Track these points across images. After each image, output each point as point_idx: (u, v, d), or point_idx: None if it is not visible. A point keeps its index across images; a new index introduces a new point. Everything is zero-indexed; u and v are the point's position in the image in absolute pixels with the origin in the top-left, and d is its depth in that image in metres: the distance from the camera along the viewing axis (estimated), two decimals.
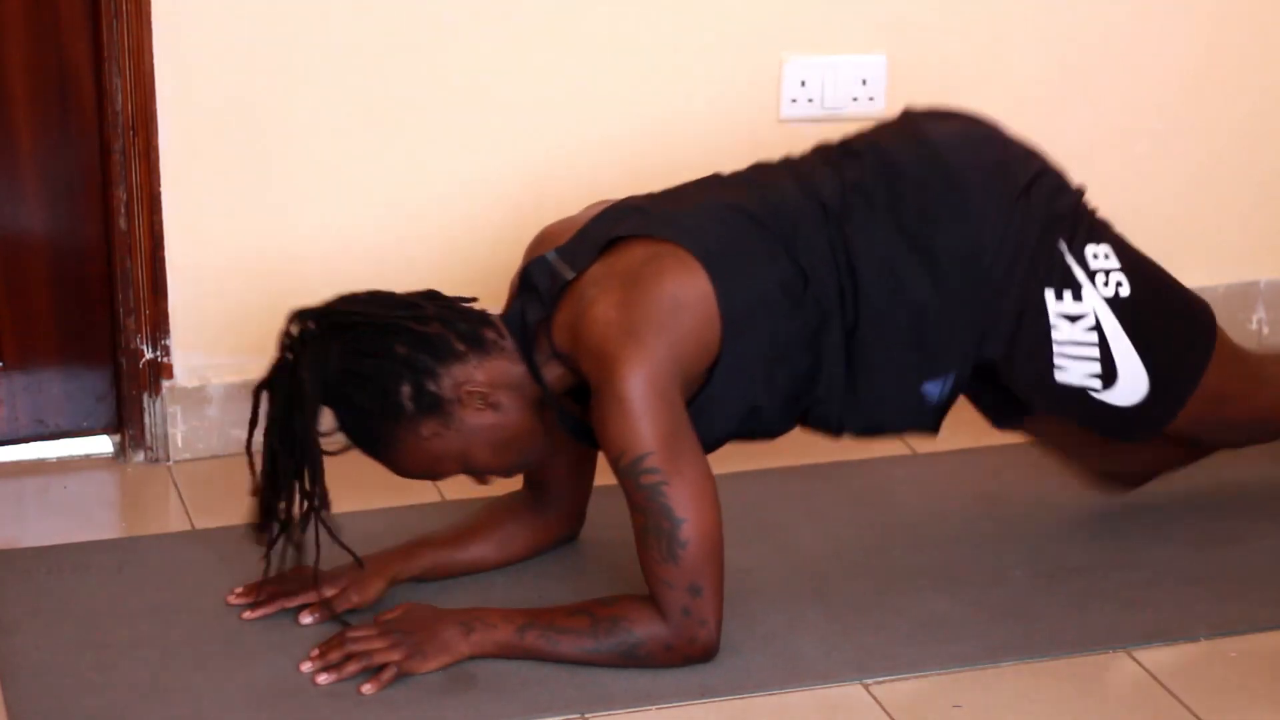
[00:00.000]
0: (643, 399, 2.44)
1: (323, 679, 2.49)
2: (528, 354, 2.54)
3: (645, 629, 2.49)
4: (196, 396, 3.14)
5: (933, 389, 2.65)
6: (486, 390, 2.51)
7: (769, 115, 3.29)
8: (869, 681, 2.54)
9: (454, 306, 2.56)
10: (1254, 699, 2.53)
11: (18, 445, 3.15)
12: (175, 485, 3.08)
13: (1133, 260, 2.70)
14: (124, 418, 3.15)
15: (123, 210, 3.04)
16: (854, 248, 2.58)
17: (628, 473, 2.46)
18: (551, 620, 2.53)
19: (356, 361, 2.47)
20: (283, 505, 2.51)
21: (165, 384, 3.12)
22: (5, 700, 2.46)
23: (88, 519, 3.02)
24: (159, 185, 3.04)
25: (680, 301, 2.50)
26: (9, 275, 3.07)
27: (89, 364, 3.14)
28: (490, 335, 2.54)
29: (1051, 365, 2.65)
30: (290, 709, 2.45)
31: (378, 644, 2.51)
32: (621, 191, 3.19)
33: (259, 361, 2.60)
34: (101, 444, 3.19)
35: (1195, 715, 2.48)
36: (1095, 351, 2.65)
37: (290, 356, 2.48)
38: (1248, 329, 3.60)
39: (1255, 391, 2.82)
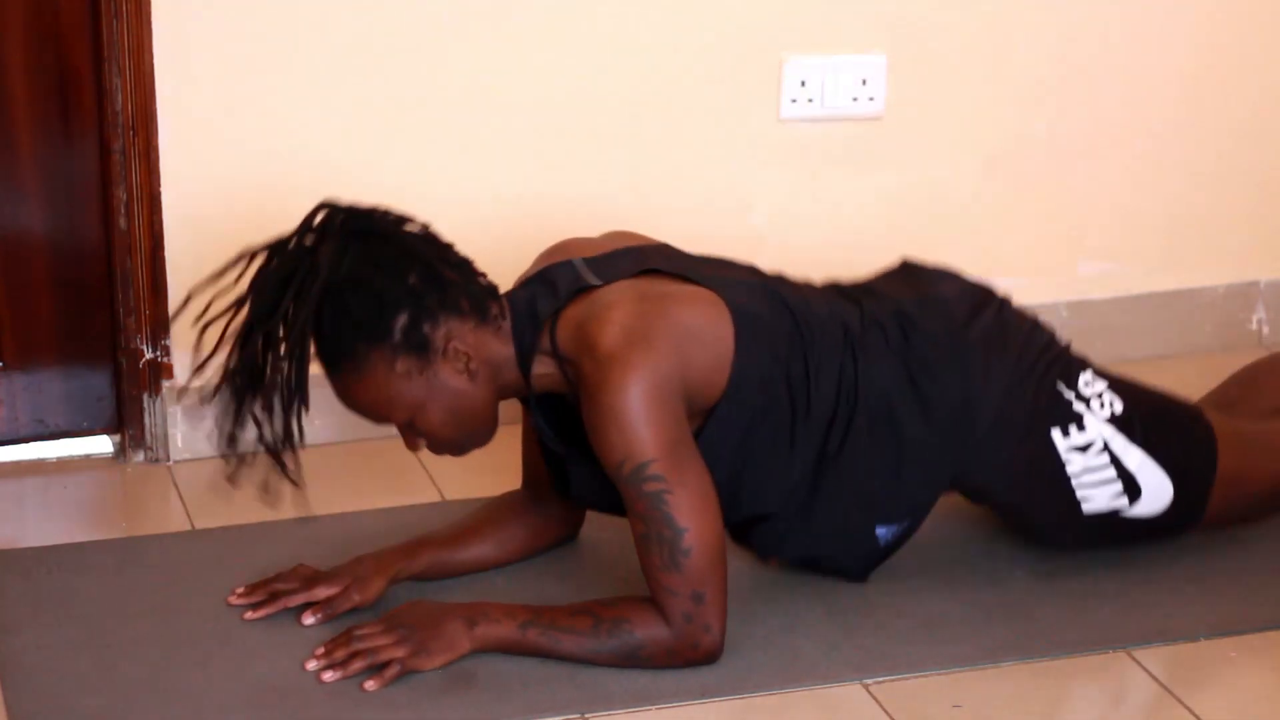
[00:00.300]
0: (647, 405, 2.43)
1: (328, 676, 2.49)
2: (523, 342, 2.54)
3: (647, 632, 2.49)
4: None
5: (884, 533, 2.67)
6: (471, 355, 2.51)
7: (769, 115, 3.29)
8: (869, 681, 2.53)
9: (473, 267, 2.55)
10: (1254, 699, 2.53)
11: (18, 445, 3.15)
12: (175, 485, 3.08)
13: (1112, 378, 2.74)
14: (124, 418, 3.14)
15: (123, 210, 3.03)
16: (862, 376, 2.59)
17: (630, 480, 2.45)
18: (554, 619, 2.52)
19: (369, 272, 2.44)
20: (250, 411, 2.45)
21: (165, 384, 3.12)
22: (5, 700, 2.46)
23: (88, 519, 3.02)
24: (159, 185, 3.04)
25: (698, 332, 2.49)
26: (9, 275, 3.07)
27: (89, 364, 3.13)
28: (494, 309, 2.53)
29: (1075, 499, 2.68)
30: (290, 708, 2.45)
31: (382, 641, 2.51)
32: (621, 192, 3.20)
33: None
34: (101, 444, 3.18)
35: (1195, 715, 2.48)
36: (1111, 472, 2.68)
37: (309, 242, 2.46)
38: (1248, 329, 3.60)
39: (1268, 459, 2.82)
